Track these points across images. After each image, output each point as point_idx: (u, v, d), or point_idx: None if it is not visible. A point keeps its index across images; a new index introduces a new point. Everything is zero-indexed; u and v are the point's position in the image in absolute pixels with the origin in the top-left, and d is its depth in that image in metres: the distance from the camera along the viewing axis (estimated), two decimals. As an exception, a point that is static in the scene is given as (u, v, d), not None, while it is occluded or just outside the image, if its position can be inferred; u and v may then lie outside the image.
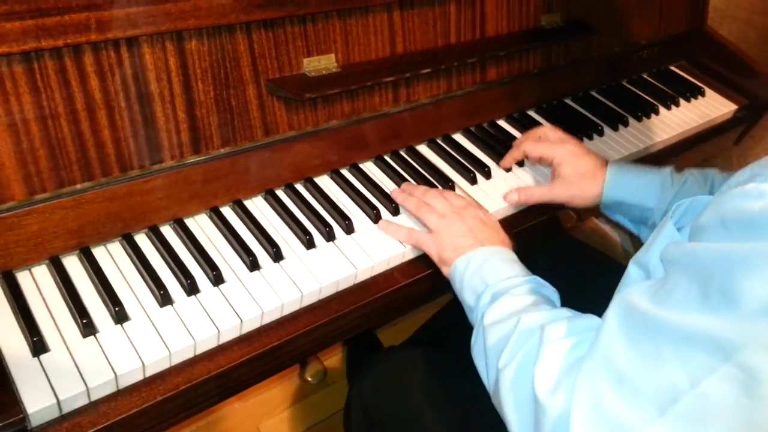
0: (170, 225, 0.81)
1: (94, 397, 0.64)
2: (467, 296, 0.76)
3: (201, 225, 0.83)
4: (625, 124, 1.22)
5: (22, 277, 0.72)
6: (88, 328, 0.67)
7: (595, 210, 0.97)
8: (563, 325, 0.61)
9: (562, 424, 0.51)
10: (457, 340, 0.75)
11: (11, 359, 0.64)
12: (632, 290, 0.55)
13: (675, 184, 0.90)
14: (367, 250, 0.84)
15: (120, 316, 0.69)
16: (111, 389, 0.65)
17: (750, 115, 1.40)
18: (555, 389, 0.54)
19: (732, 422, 0.44)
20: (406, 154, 1.02)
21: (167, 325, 0.70)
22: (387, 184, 0.96)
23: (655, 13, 1.34)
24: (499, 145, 1.07)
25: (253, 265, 0.78)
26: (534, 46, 1.11)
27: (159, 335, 0.69)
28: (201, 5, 0.73)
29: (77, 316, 0.68)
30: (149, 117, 0.75)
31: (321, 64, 0.87)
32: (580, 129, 1.16)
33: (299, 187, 0.91)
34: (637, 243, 0.99)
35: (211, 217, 0.84)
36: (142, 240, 0.79)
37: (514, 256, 0.79)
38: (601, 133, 1.18)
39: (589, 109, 1.24)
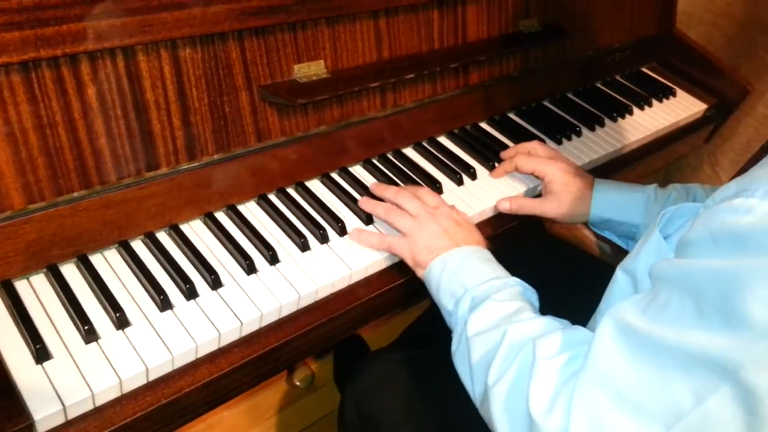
0: (166, 231, 0.82)
1: (99, 402, 0.65)
2: (445, 300, 0.75)
3: (196, 231, 0.84)
4: (602, 125, 1.26)
5: (21, 286, 0.72)
6: (90, 334, 0.67)
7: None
8: (555, 340, 0.60)
9: None
10: (443, 341, 0.75)
11: (14, 367, 0.64)
12: (622, 306, 0.54)
13: (659, 200, 0.93)
14: (361, 251, 0.85)
15: (121, 321, 0.70)
16: (115, 394, 0.66)
17: (719, 114, 1.46)
18: (551, 408, 0.54)
19: None
20: (394, 157, 1.04)
21: (168, 329, 0.71)
22: (376, 186, 0.98)
23: (626, 17, 1.38)
24: (482, 147, 1.09)
25: (250, 268, 0.79)
26: (513, 50, 1.14)
27: (161, 339, 0.70)
28: (196, 14, 0.74)
29: (78, 322, 0.68)
30: (145, 124, 0.76)
31: (311, 70, 0.89)
32: (558, 130, 1.20)
33: (291, 191, 0.92)
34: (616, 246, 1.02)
35: (206, 223, 0.85)
36: (139, 246, 0.79)
37: (491, 256, 0.78)
38: (579, 134, 1.22)
39: (566, 110, 1.28)
